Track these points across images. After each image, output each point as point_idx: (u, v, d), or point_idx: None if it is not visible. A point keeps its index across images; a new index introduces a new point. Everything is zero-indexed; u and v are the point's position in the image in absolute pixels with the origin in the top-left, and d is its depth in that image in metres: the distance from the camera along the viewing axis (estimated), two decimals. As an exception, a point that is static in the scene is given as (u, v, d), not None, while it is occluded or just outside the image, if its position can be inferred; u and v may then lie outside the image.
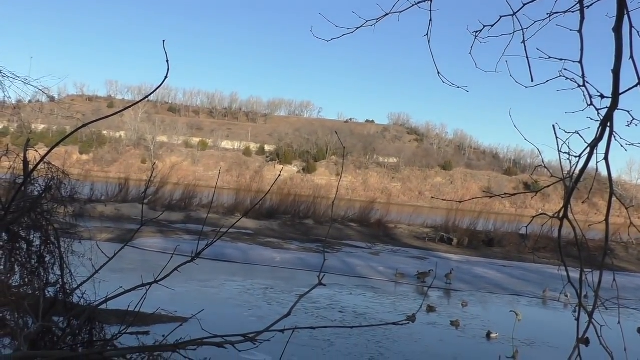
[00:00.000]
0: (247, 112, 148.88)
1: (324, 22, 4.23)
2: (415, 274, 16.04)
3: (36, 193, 5.65)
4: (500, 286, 16.22)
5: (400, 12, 3.92)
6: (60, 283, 5.23)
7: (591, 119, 3.09)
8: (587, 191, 4.40)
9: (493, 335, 10.25)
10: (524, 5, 3.49)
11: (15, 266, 5.22)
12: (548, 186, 3.67)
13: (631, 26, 2.92)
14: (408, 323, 3.82)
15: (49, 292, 5.19)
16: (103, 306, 4.34)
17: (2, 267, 5.10)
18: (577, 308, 3.08)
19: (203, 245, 4.03)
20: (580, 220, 3.33)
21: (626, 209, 3.52)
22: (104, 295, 4.34)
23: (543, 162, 3.55)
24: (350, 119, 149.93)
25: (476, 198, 4.14)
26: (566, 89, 3.17)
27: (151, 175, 6.61)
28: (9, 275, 5.11)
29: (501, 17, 3.58)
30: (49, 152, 4.56)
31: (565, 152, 3.16)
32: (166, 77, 3.65)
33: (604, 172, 3.18)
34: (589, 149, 3.08)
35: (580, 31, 3.17)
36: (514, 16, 3.52)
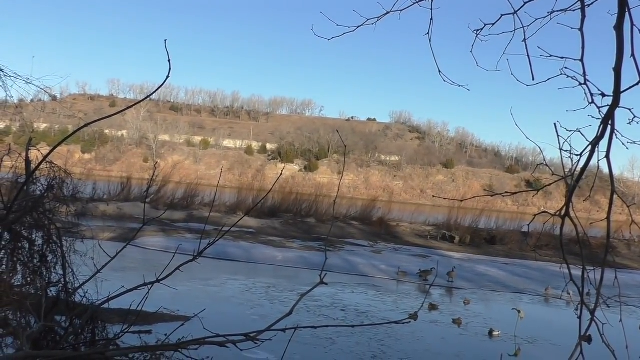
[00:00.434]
0: (249, 111, 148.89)
1: (325, 21, 4.24)
2: (417, 272, 16.04)
3: (38, 192, 5.66)
4: (503, 284, 16.22)
5: (401, 10, 3.91)
6: (63, 282, 5.25)
7: (592, 117, 3.09)
8: (589, 189, 4.40)
9: (495, 333, 10.25)
10: (525, 3, 3.49)
11: (18, 266, 5.23)
12: (549, 184, 3.67)
13: (632, 24, 2.91)
14: (410, 321, 3.83)
15: (51, 291, 5.21)
16: (105, 305, 4.35)
17: (4, 266, 5.11)
18: (579, 306, 3.08)
19: (205, 244, 4.04)
20: (582, 218, 3.32)
21: (628, 206, 3.53)
22: (106, 294, 4.35)
23: (544, 160, 3.56)
24: (352, 117, 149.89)
25: (478, 196, 4.14)
26: (567, 87, 3.17)
27: (153, 174, 6.62)
28: (11, 275, 5.12)
29: (502, 15, 3.57)
30: (51, 151, 4.56)
31: (566, 150, 3.16)
32: (168, 76, 3.65)
33: (605, 170, 3.18)
34: (590, 147, 3.07)
35: (581, 29, 3.17)
36: (515, 14, 3.52)
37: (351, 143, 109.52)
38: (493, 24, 3.67)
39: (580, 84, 3.14)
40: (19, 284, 5.20)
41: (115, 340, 4.50)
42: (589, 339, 2.97)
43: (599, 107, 3.08)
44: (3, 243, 5.05)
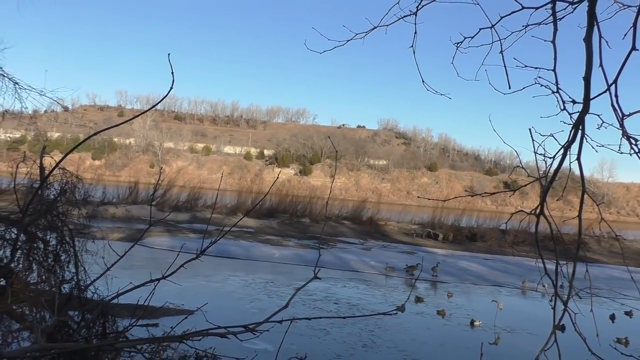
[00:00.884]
0: (248, 119, 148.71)
1: (317, 36, 4.24)
2: (404, 267, 16.04)
3: (52, 196, 5.64)
4: (483, 278, 16.23)
5: (387, 25, 3.92)
6: (75, 280, 5.22)
7: (564, 123, 3.10)
8: (562, 189, 4.41)
9: (476, 324, 10.25)
10: (502, 18, 3.50)
11: (33, 265, 5.21)
12: (525, 185, 3.68)
13: (600, 36, 2.93)
14: (398, 313, 3.82)
15: (64, 288, 5.18)
16: (115, 301, 4.33)
17: (20, 265, 5.08)
18: (553, 297, 3.08)
19: (207, 243, 4.02)
20: (555, 216, 3.33)
21: (597, 205, 3.53)
22: (115, 290, 4.33)
23: (521, 163, 3.56)
24: (343, 125, 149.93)
25: (460, 197, 4.12)
26: (541, 95, 3.17)
27: (159, 179, 6.60)
28: (27, 273, 5.09)
29: (480, 29, 3.58)
30: (63, 158, 4.54)
31: (540, 154, 3.16)
32: (171, 88, 3.63)
33: (577, 171, 3.19)
34: (562, 150, 3.08)
35: (553, 41, 3.18)
36: (492, 28, 3.53)
37: (342, 148, 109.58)
38: (472, 37, 3.68)
39: (553, 92, 3.15)
40: (34, 281, 5.18)
41: (124, 332, 4.48)
42: (562, 328, 2.98)
43: (570, 114, 3.09)
44: (19, 244, 5.02)
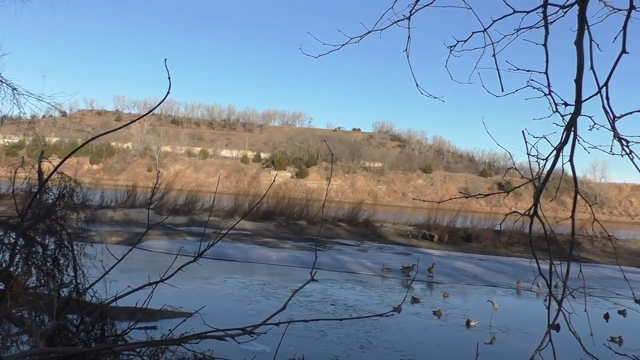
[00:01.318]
0: (244, 123, 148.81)
1: (312, 40, 4.25)
2: (400, 268, 16.04)
3: (50, 201, 5.62)
4: (478, 278, 16.25)
5: (382, 30, 3.93)
6: (74, 283, 5.20)
7: (557, 125, 3.11)
8: (555, 190, 4.42)
9: (472, 324, 10.26)
10: (494, 21, 3.51)
11: (32, 269, 5.19)
12: (519, 186, 3.69)
13: (591, 39, 2.94)
14: (394, 314, 3.82)
15: (63, 292, 5.16)
16: (113, 304, 4.32)
17: (19, 269, 5.07)
18: (548, 297, 3.09)
19: (205, 245, 4.02)
20: (549, 216, 3.34)
21: (590, 206, 3.54)
22: (114, 293, 4.32)
23: (514, 164, 3.57)
24: (339, 128, 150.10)
25: (454, 198, 4.14)
26: (533, 98, 3.19)
27: (156, 183, 6.59)
28: (26, 277, 5.07)
29: (473, 33, 3.59)
30: (61, 162, 4.53)
31: (534, 155, 3.18)
32: (168, 93, 3.63)
33: (569, 172, 3.20)
34: (555, 152, 3.09)
35: (545, 45, 3.19)
36: (485, 32, 3.54)
37: (338, 151, 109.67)
38: (465, 41, 3.69)
39: (545, 95, 3.16)
40: (33, 285, 5.16)
41: (123, 335, 4.46)
42: (557, 327, 2.99)
43: (562, 116, 3.11)
44: (18, 248, 5.00)
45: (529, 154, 3.17)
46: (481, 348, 8.73)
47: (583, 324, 3.21)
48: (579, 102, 2.99)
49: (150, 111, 4.04)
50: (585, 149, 3.10)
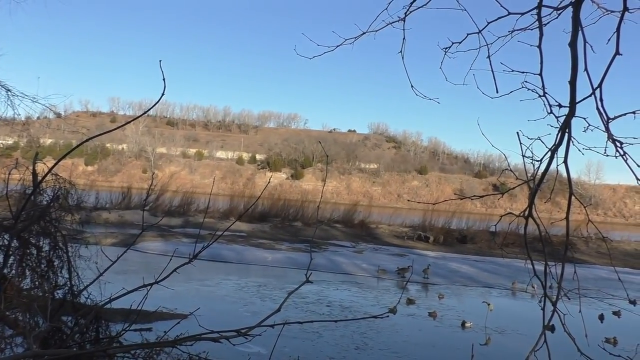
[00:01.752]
0: (240, 124, 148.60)
1: (306, 41, 4.25)
2: (395, 269, 16.06)
3: (45, 202, 5.60)
4: (473, 279, 16.27)
5: (376, 31, 3.94)
6: (68, 285, 5.19)
7: (551, 126, 3.12)
8: (550, 191, 4.43)
9: (467, 325, 10.27)
10: (489, 23, 3.52)
11: (26, 270, 5.17)
12: (513, 188, 3.70)
13: (585, 41, 2.95)
14: (389, 315, 3.83)
15: (57, 293, 5.15)
16: (108, 306, 4.31)
17: (14, 271, 5.05)
18: (543, 298, 3.09)
19: (200, 247, 4.01)
20: (544, 218, 3.35)
21: (584, 207, 3.56)
22: (108, 295, 4.31)
23: (509, 166, 3.57)
24: (334, 129, 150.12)
25: (449, 200, 4.14)
26: (528, 99, 3.20)
27: (151, 184, 6.57)
28: (20, 279, 5.06)
29: (468, 34, 3.60)
30: (55, 164, 4.52)
31: (528, 157, 3.18)
32: (163, 94, 3.63)
33: (564, 174, 3.20)
34: (550, 153, 3.10)
35: (539, 46, 3.20)
36: (480, 34, 3.55)
37: (333, 152, 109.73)
38: (460, 42, 3.69)
39: (540, 96, 3.17)
40: (27, 287, 5.14)
41: (117, 337, 4.45)
42: (552, 329, 2.99)
43: (556, 117, 3.11)
44: (12, 250, 4.99)
45: (523, 156, 3.18)
46: (476, 349, 8.75)
47: (578, 325, 3.22)
48: (573, 103, 3.00)
49: (145, 112, 4.03)
50: (579, 150, 3.11)
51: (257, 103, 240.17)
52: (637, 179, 2.82)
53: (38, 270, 5.21)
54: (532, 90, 3.17)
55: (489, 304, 10.96)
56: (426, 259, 19.62)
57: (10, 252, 4.92)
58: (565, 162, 3.09)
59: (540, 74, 3.18)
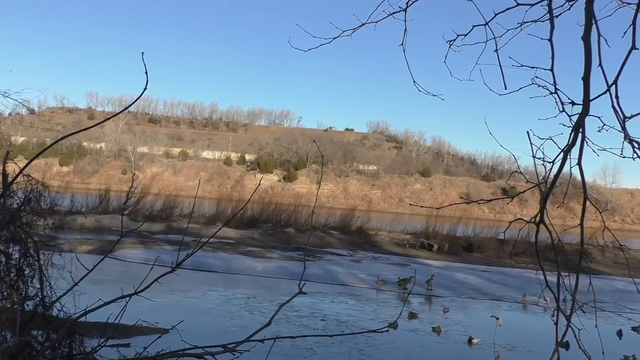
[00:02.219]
0: (228, 122, 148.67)
1: (301, 33, 4.25)
2: (396, 280, 16.07)
3: (15, 205, 5.59)
4: (481, 291, 16.30)
5: (376, 22, 3.94)
6: (40, 296, 5.18)
7: (563, 125, 3.12)
8: (563, 196, 4.44)
9: (474, 341, 10.28)
10: (496, 15, 3.52)
11: (-6, 280, 5.16)
12: (524, 192, 3.70)
13: (599, 34, 2.96)
14: (390, 330, 3.83)
15: (27, 305, 5.14)
16: (83, 319, 4.29)
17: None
18: (556, 312, 3.09)
19: (184, 255, 4.00)
20: (557, 224, 3.35)
21: (600, 213, 3.56)
22: (83, 307, 4.29)
23: (519, 168, 3.58)
24: (330, 128, 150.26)
25: (455, 204, 4.14)
26: (538, 96, 3.20)
27: (132, 186, 6.58)
28: (-13, 290, 5.04)
29: (474, 26, 3.61)
30: (28, 164, 4.51)
31: (539, 158, 3.18)
32: (145, 89, 3.62)
33: (578, 177, 3.21)
34: (562, 154, 3.10)
35: (550, 40, 3.21)
36: (487, 26, 3.55)
37: (329, 153, 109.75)
38: (465, 35, 3.70)
39: (551, 93, 3.18)
40: (-5, 298, 5.13)
41: (93, 353, 4.44)
42: (566, 345, 2.99)
43: (569, 116, 3.11)
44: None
45: (534, 157, 3.18)
46: (483, 367, 8.76)
47: (594, 341, 3.23)
48: (586, 101, 3.01)
49: (126, 108, 4.03)
50: (594, 151, 3.11)
51: (246, 99, 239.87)
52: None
53: (7, 279, 5.20)
54: (542, 86, 3.18)
55: (497, 318, 10.98)
56: (430, 269, 19.64)
57: (-23, 260, 4.91)
58: (579, 163, 3.09)
59: (552, 70, 3.19)
